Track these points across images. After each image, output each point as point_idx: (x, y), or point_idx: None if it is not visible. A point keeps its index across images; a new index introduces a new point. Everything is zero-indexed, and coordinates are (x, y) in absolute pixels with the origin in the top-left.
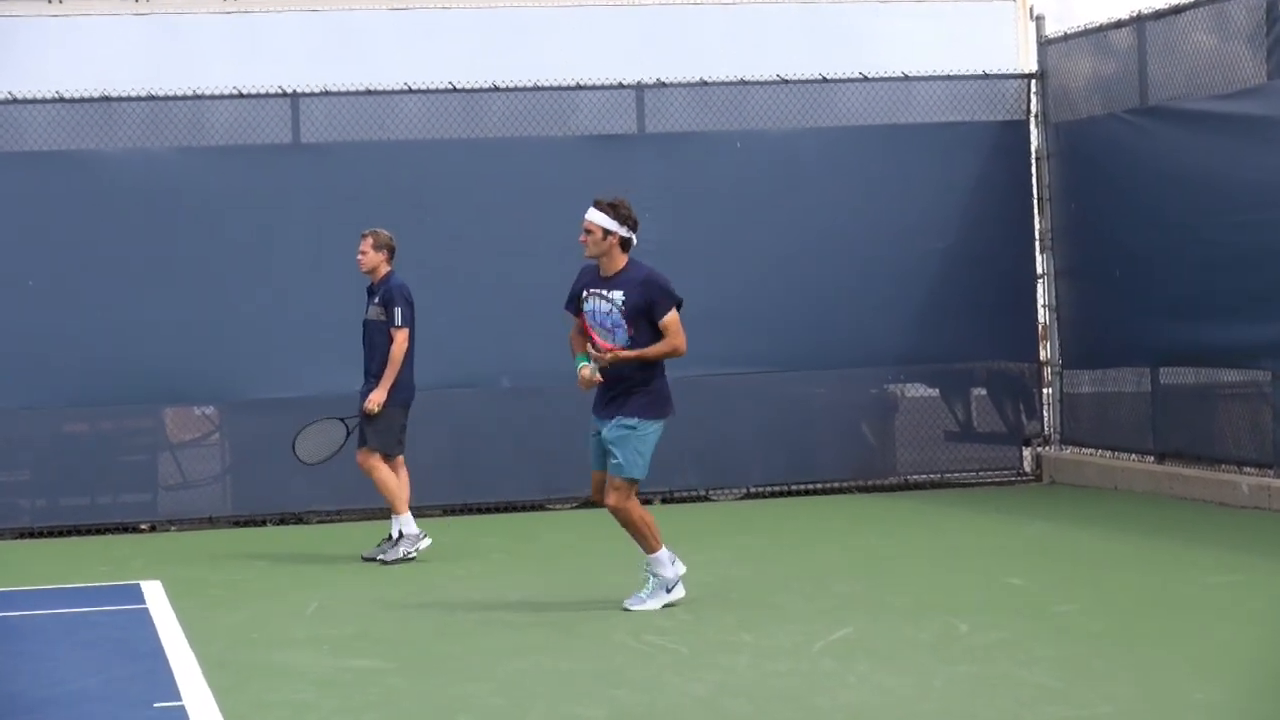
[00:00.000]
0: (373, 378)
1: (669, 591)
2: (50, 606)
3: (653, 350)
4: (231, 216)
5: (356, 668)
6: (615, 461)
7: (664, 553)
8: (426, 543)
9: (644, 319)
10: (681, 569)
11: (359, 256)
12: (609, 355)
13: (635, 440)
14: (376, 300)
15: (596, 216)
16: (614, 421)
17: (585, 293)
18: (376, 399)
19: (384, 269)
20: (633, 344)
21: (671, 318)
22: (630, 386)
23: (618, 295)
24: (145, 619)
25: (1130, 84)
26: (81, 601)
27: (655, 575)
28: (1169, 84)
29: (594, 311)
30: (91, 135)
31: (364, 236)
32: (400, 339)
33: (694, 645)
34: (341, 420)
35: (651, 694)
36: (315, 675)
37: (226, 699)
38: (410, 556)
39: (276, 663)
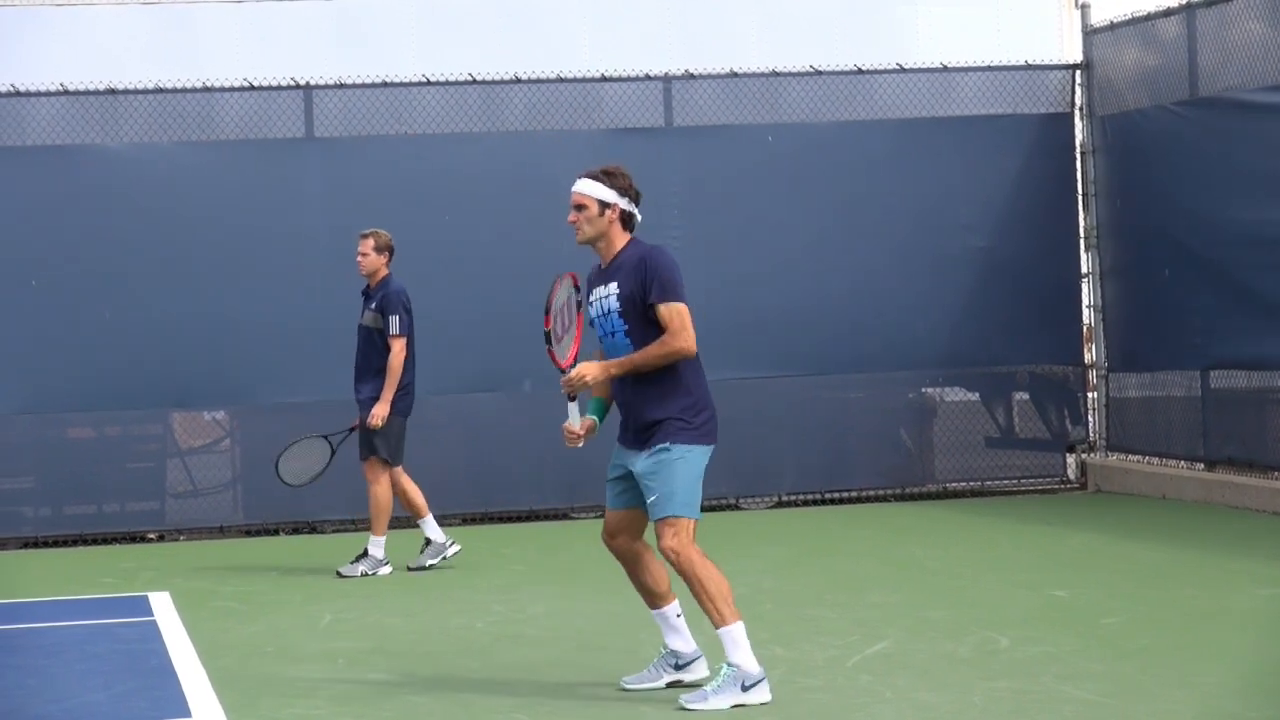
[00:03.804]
0: (366, 385)
1: (746, 690)
2: (55, 619)
3: (641, 356)
4: (242, 213)
5: (372, 683)
6: (654, 499)
7: (740, 628)
8: (386, 570)
9: (642, 318)
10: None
11: (359, 258)
12: (573, 376)
13: (678, 466)
14: (373, 306)
15: (589, 187)
16: (646, 453)
17: (590, 298)
18: (380, 413)
19: (383, 272)
20: (635, 348)
21: (670, 307)
22: (660, 406)
23: (613, 288)
24: (153, 632)
25: (1179, 75)
26: (87, 614)
27: (732, 665)
28: (1220, 75)
29: (597, 320)
30: (97, 129)
31: (363, 237)
32: (398, 348)
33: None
34: (325, 437)
35: (680, 711)
36: (329, 691)
37: (237, 715)
38: (368, 574)
39: (289, 677)
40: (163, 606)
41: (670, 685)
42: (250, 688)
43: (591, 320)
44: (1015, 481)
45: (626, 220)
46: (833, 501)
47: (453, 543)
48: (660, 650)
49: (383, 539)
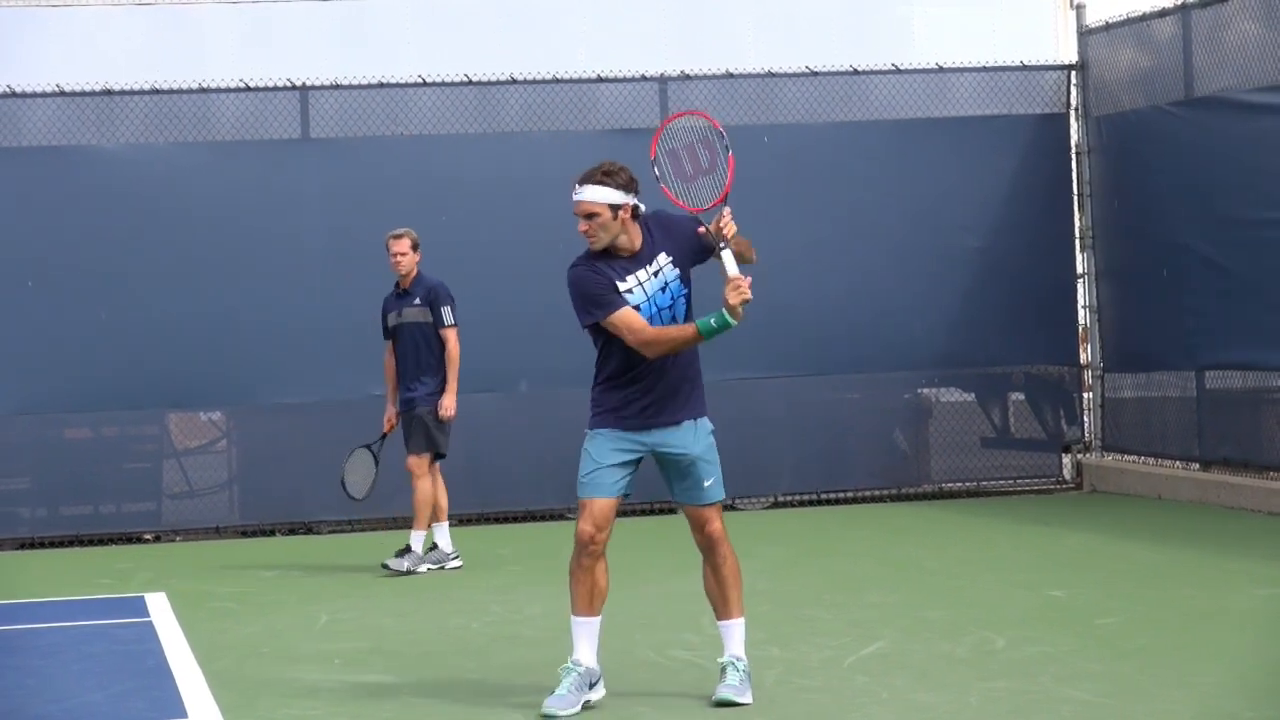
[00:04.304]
0: (417, 381)
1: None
2: (51, 620)
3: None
4: (238, 214)
5: (369, 684)
6: (709, 484)
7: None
8: (425, 568)
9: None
10: None
11: (398, 258)
12: (729, 229)
13: (715, 450)
14: (417, 301)
15: (595, 193)
16: (692, 427)
17: (626, 290)
18: (449, 404)
19: (415, 269)
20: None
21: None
22: (695, 375)
23: (662, 260)
24: (150, 633)
25: (1174, 75)
26: (83, 614)
27: (741, 660)
28: (1215, 75)
29: (651, 299)
30: (93, 130)
31: (397, 238)
32: (455, 337)
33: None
34: (367, 448)
35: (676, 712)
36: (326, 692)
37: (234, 716)
38: (436, 567)
39: (286, 678)
40: (159, 607)
41: (585, 706)
42: (247, 688)
43: (638, 305)
44: (1011, 482)
45: (635, 213)
46: (829, 502)
47: (457, 555)
48: (572, 668)
49: (423, 533)
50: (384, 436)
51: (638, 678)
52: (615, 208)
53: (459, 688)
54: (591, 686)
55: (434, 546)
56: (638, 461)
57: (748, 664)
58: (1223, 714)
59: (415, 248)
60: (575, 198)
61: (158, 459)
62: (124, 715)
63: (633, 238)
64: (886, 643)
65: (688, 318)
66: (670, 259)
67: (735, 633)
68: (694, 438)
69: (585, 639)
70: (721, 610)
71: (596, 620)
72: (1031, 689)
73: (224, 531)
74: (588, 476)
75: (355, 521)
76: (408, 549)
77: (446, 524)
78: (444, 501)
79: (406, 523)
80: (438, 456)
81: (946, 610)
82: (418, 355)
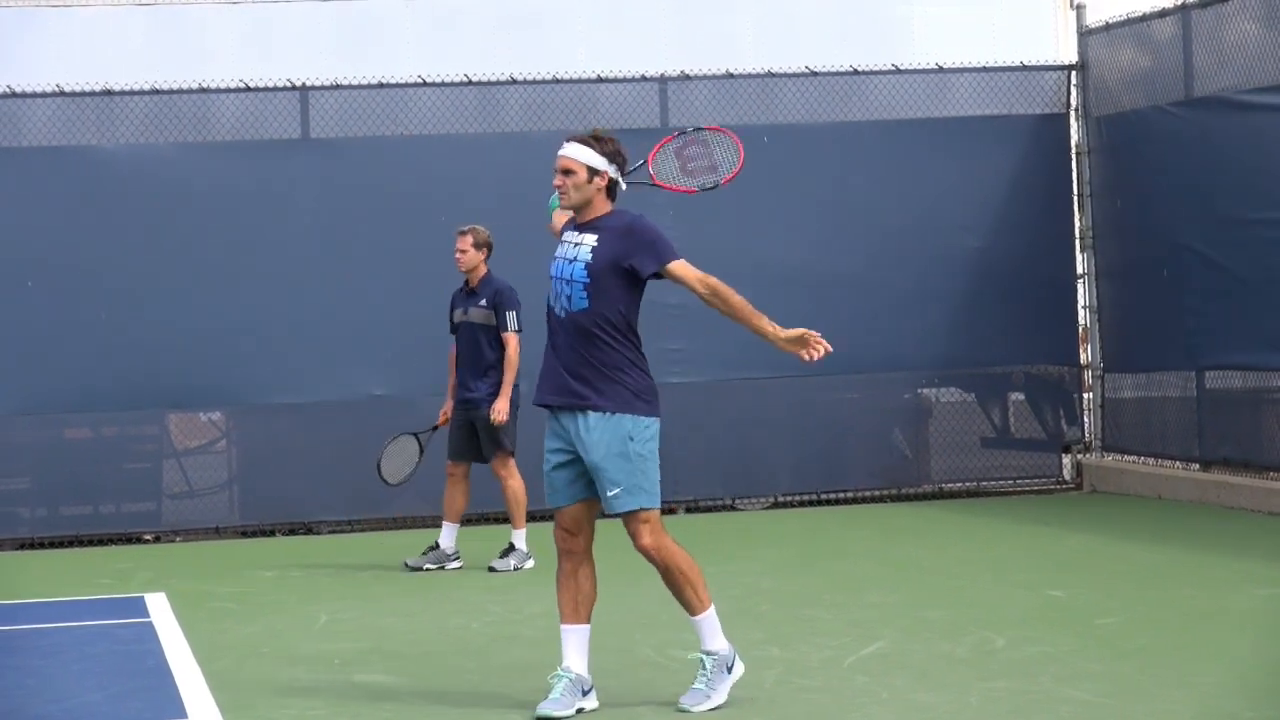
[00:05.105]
0: (477, 382)
1: (730, 671)
2: (51, 620)
3: (740, 305)
4: (238, 214)
5: (369, 684)
6: (615, 493)
7: (713, 613)
8: (530, 564)
9: (613, 278)
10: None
11: (458, 255)
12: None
13: (637, 448)
14: (483, 302)
15: (578, 151)
16: (600, 422)
17: (557, 252)
18: (502, 408)
19: (483, 269)
20: (590, 308)
21: (678, 264)
22: (600, 371)
23: (589, 239)
24: (149, 633)
25: (1174, 75)
26: (83, 615)
27: (710, 654)
28: (1215, 75)
29: (556, 264)
30: (92, 130)
31: (462, 234)
32: (516, 343)
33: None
34: (414, 435)
35: (676, 712)
36: (326, 692)
37: (234, 716)
38: (519, 568)
39: (285, 679)
40: (159, 608)
41: (579, 712)
42: (246, 689)
43: (553, 265)
44: (1011, 482)
45: (611, 188)
46: (829, 502)
47: (458, 556)
48: (563, 675)
49: (523, 531)
50: (435, 428)
51: (637, 677)
52: (593, 171)
53: (458, 688)
54: (585, 694)
55: (435, 546)
56: (577, 460)
57: (719, 658)
58: (1223, 714)
59: (479, 246)
60: (559, 152)
61: (158, 459)
62: (123, 715)
63: (594, 211)
64: (886, 643)
65: (582, 307)
66: (596, 246)
67: (700, 628)
68: (597, 438)
69: (573, 647)
70: (685, 609)
71: (584, 628)
72: (1031, 689)
73: (224, 532)
74: (545, 481)
75: (355, 522)
76: (511, 548)
77: (456, 526)
78: (462, 504)
79: (406, 523)
80: (512, 453)
81: (946, 610)
82: (478, 355)
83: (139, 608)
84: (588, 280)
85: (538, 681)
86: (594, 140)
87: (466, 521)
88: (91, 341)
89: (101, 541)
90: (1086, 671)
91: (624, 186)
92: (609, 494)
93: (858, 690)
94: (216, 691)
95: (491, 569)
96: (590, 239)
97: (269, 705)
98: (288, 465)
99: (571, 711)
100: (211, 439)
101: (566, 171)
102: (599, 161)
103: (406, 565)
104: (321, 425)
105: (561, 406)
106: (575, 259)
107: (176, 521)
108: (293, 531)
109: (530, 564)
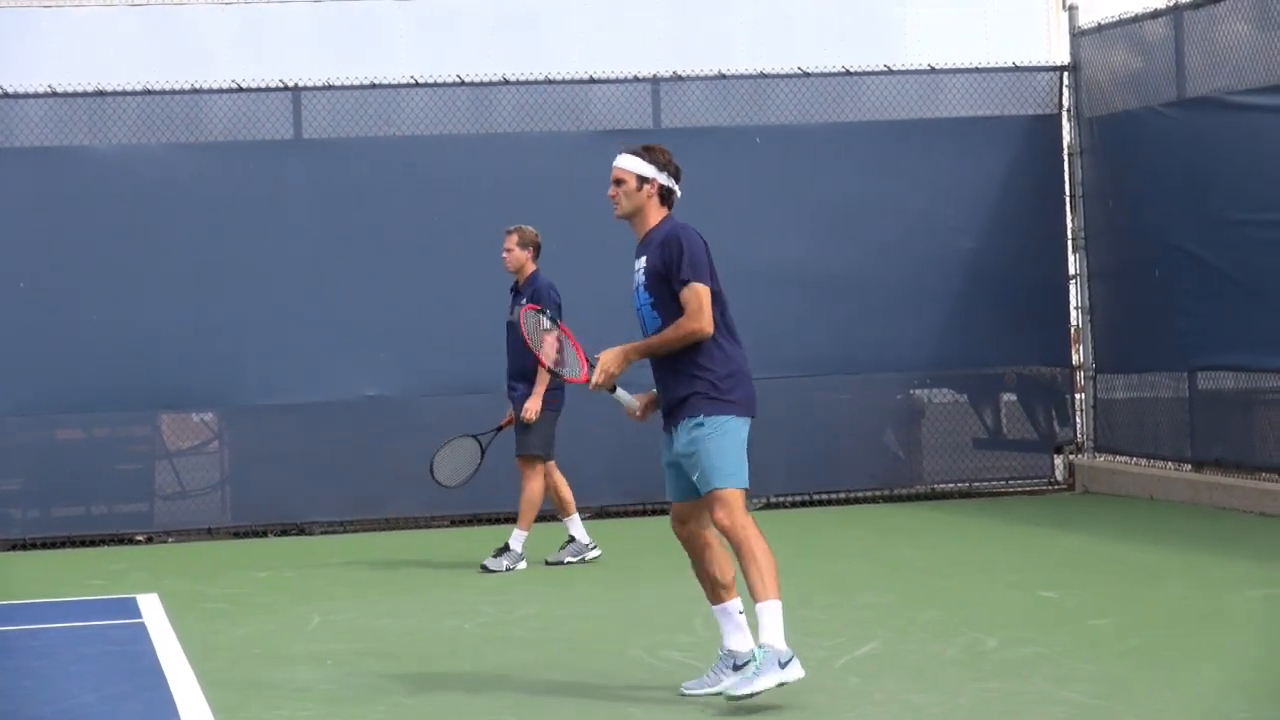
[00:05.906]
0: (521, 382)
1: (784, 667)
2: (43, 621)
3: (659, 339)
4: (230, 215)
5: (361, 684)
6: (697, 476)
7: (779, 606)
8: (523, 565)
9: (667, 289)
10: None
11: (504, 254)
12: (597, 380)
13: (713, 440)
14: (525, 301)
15: (628, 161)
16: (681, 432)
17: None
18: (533, 407)
19: (530, 267)
20: (664, 324)
21: (690, 289)
22: (687, 382)
23: (641, 262)
24: (142, 634)
25: (1166, 76)
26: (76, 616)
27: (763, 647)
28: (1207, 76)
29: (634, 292)
30: (85, 131)
31: (508, 234)
32: (549, 343)
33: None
34: (474, 437)
35: (668, 712)
36: (319, 692)
37: (226, 717)
38: (510, 569)
39: (278, 680)
40: (151, 608)
41: (780, 685)
42: (239, 689)
43: (636, 288)
44: (1003, 483)
45: (665, 196)
46: (822, 503)
47: (595, 545)
48: (718, 653)
49: (525, 534)
50: (499, 429)
51: (630, 678)
52: (643, 180)
53: (451, 689)
54: (737, 669)
55: (571, 540)
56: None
57: (773, 652)
58: (1216, 714)
59: (525, 245)
60: (613, 164)
61: (150, 460)
62: (117, 717)
63: (645, 221)
64: (879, 643)
65: (656, 326)
66: (645, 266)
67: (759, 616)
68: (677, 439)
69: (723, 625)
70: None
71: (727, 606)
72: (1024, 690)
73: (216, 532)
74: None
75: (347, 522)
76: (505, 548)
77: (576, 515)
78: (568, 495)
79: (399, 524)
80: (540, 456)
81: (939, 611)
82: (517, 356)
83: (132, 609)
84: (652, 300)
85: (530, 682)
86: (644, 150)
87: (466, 521)
88: (83, 342)
89: (94, 542)
90: (1079, 672)
91: (679, 194)
92: (694, 479)
93: (851, 691)
94: (209, 692)
95: (484, 568)
96: (641, 261)
97: (261, 706)
98: (280, 466)
99: (709, 691)
100: (204, 440)
101: (618, 181)
102: (648, 170)
103: (546, 562)
104: (314, 426)
105: (664, 414)
106: (638, 285)
107: (169, 522)
108: (285, 532)
109: (522, 565)
